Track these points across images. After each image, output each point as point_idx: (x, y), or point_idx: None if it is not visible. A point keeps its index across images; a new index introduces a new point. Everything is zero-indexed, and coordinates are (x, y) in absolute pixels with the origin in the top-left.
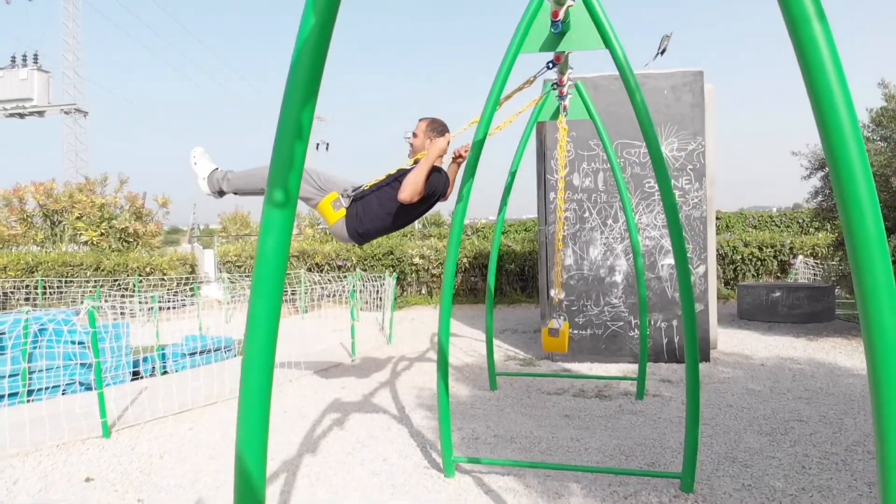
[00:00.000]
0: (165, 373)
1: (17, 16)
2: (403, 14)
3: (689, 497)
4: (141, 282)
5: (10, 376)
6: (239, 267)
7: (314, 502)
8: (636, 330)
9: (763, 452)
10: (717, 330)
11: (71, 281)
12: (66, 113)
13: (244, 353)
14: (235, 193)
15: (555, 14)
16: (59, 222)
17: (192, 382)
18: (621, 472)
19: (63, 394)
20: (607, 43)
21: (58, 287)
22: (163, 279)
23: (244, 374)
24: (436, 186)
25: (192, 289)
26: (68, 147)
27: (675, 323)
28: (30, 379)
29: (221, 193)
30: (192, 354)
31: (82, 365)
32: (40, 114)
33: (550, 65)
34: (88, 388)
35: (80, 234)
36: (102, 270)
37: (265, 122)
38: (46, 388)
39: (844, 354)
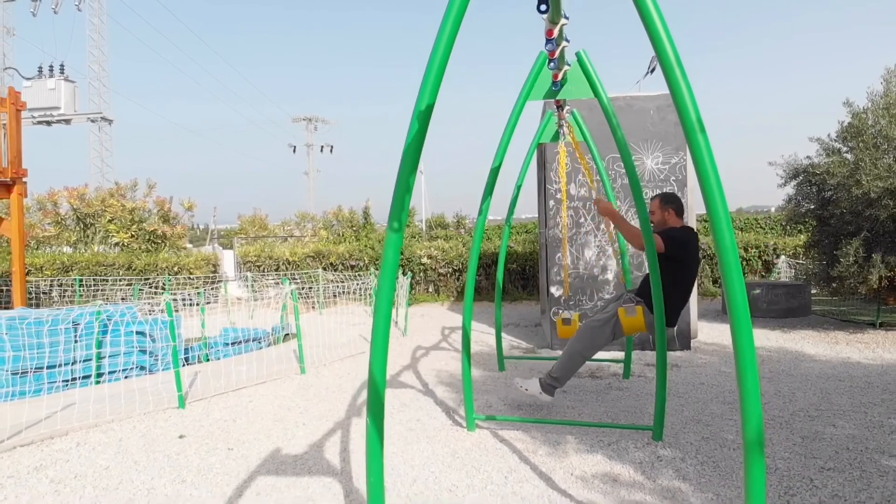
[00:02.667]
0: (208, 360)
1: (44, 28)
2: (412, 13)
3: (658, 444)
4: (171, 280)
5: (84, 361)
6: (258, 266)
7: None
8: None
9: (723, 416)
10: (697, 322)
11: (105, 280)
12: (91, 121)
13: (374, 313)
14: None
15: (555, 76)
16: (91, 225)
17: (239, 367)
18: (606, 426)
19: (126, 377)
20: (596, 94)
21: (92, 286)
22: (189, 278)
23: (375, 324)
24: (679, 241)
25: (222, 286)
26: (94, 153)
27: None
28: (100, 363)
29: (555, 389)
30: (233, 344)
31: (141, 351)
32: (67, 121)
33: (557, 110)
34: (148, 372)
35: (112, 236)
36: (134, 270)
37: (269, 126)
38: (112, 372)
39: (811, 344)
